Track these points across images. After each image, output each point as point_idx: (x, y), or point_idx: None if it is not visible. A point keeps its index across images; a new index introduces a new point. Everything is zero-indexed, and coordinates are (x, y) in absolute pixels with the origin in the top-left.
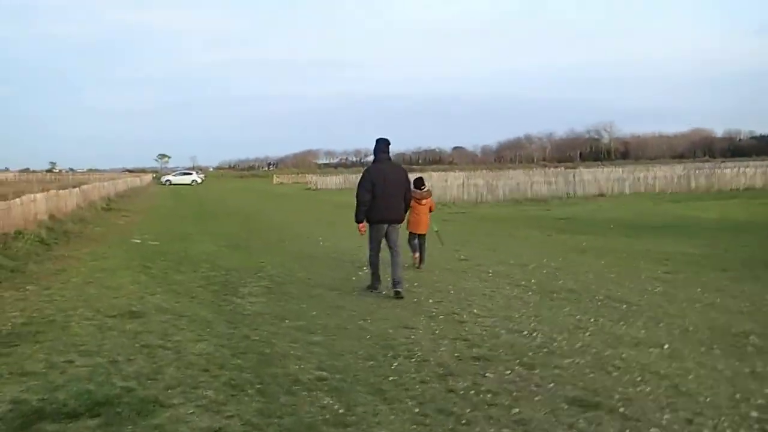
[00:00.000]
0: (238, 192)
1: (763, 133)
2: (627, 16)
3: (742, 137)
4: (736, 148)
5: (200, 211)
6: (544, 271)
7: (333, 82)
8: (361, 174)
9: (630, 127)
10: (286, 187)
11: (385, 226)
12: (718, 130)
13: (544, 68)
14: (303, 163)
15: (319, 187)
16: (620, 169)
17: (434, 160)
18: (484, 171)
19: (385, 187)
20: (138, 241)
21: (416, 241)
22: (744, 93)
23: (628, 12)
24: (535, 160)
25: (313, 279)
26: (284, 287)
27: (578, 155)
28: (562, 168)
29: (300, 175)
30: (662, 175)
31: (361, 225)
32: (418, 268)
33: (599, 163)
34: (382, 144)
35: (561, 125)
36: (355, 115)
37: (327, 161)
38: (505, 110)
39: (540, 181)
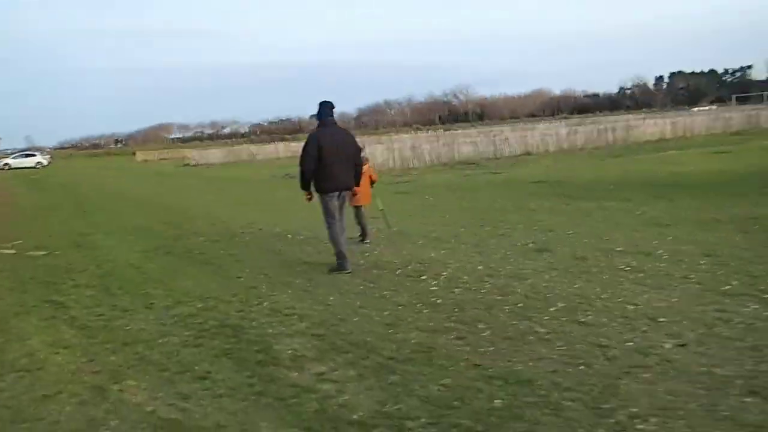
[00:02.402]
0: (105, 173)
1: (594, 92)
2: None
3: (576, 96)
4: (580, 107)
5: (76, 201)
6: (702, 263)
7: (182, 53)
8: (304, 141)
9: (483, 89)
10: (156, 164)
11: (337, 194)
12: (556, 90)
13: (400, 34)
14: (155, 137)
15: (200, 163)
16: (539, 127)
17: (293, 129)
18: (394, 135)
19: (335, 153)
20: (11, 251)
21: (361, 217)
22: (575, 54)
23: None
24: (397, 125)
25: (364, 306)
26: (340, 332)
27: (438, 118)
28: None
29: (166, 150)
30: (582, 130)
31: (307, 193)
32: (363, 241)
33: (469, 124)
34: (327, 107)
35: (420, 90)
36: (207, 87)
37: (181, 135)
38: (363, 77)
39: (465, 142)
